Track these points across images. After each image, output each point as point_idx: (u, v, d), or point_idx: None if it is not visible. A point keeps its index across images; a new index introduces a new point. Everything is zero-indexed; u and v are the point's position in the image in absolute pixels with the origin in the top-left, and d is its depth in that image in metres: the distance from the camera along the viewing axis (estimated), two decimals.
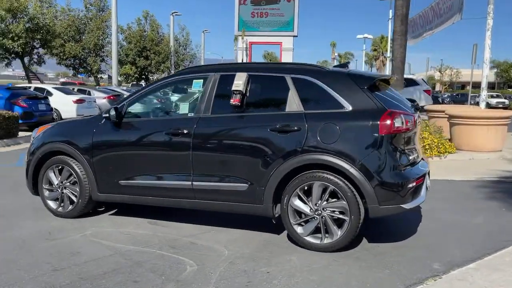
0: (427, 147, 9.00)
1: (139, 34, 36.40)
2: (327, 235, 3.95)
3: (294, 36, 64.44)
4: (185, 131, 4.35)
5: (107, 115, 4.64)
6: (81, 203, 4.92)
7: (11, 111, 12.50)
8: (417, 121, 4.39)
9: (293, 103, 4.11)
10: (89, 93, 18.77)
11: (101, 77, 43.08)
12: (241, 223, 4.68)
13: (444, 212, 5.33)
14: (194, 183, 4.35)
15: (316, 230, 3.98)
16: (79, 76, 42.56)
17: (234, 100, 4.23)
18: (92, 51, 31.70)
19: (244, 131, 4.21)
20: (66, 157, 4.93)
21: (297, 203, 4.01)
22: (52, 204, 5.09)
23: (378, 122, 3.79)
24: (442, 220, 4.98)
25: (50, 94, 16.25)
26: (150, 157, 4.57)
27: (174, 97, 5.13)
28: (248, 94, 4.27)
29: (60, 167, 4.99)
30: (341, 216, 3.88)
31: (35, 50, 26.69)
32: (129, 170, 4.66)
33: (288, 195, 4.02)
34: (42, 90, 16.66)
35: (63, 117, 15.17)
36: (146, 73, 37.69)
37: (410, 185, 3.82)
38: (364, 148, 3.81)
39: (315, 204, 3.96)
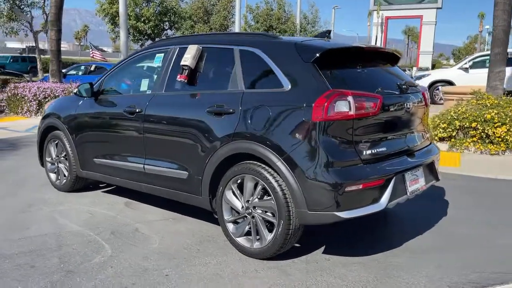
0: None
1: (265, 13, 36.69)
2: (258, 238, 3.30)
3: (437, 8, 58.50)
4: (138, 110, 4.04)
5: (76, 90, 4.58)
6: (70, 178, 4.99)
7: None
8: (404, 104, 3.39)
9: (236, 80, 3.48)
10: None
11: None
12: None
13: (469, 223, 4.11)
14: (146, 166, 4.03)
15: (250, 231, 3.36)
16: None
17: (181, 77, 3.76)
18: (218, 31, 33.01)
19: (185, 112, 3.71)
20: (59, 132, 5.03)
21: (230, 197, 3.42)
22: (52, 176, 5.27)
23: (312, 105, 2.96)
24: (454, 235, 3.82)
25: None
26: (114, 136, 4.37)
27: (148, 73, 4.82)
28: (197, 69, 3.76)
29: (56, 141, 5.13)
30: (271, 218, 3.19)
31: (164, 32, 28.82)
32: (100, 148, 4.55)
33: (222, 187, 3.45)
34: None
35: None
36: None
37: (351, 188, 2.91)
38: (294, 137, 3.02)
39: (247, 201, 3.33)
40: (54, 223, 4.14)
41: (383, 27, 57.54)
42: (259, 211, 3.26)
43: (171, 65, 3.97)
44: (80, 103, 4.75)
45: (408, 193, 3.30)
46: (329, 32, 3.87)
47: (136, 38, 27.22)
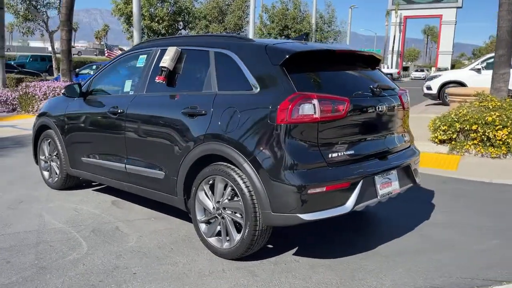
0: None
1: (281, 13, 36.70)
2: (228, 239, 3.33)
3: (457, 7, 57.51)
4: (120, 110, 4.11)
5: (64, 90, 4.69)
6: (61, 177, 5.11)
7: None
8: (375, 107, 3.37)
9: (210, 82, 3.51)
10: None
11: None
12: None
13: (450, 227, 4.06)
14: (127, 166, 4.11)
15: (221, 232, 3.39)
16: None
17: (159, 78, 3.82)
18: (232, 31, 33.12)
19: (162, 113, 3.77)
20: (51, 131, 5.14)
21: (203, 198, 3.46)
22: (45, 174, 5.40)
23: (277, 108, 2.97)
24: (432, 238, 3.78)
25: None
26: (99, 136, 4.45)
27: (132, 74, 4.89)
28: (175, 71, 3.81)
29: (49, 140, 5.24)
30: (240, 219, 3.22)
31: (178, 32, 29.05)
32: (87, 148, 4.64)
33: (195, 188, 3.50)
34: None
35: None
36: None
37: (315, 190, 2.91)
38: (260, 139, 3.04)
39: (217, 202, 3.36)
40: (40, 220, 4.24)
41: (401, 27, 56.93)
42: (229, 212, 3.30)
43: (152, 66, 4.03)
44: (70, 103, 4.86)
45: (378, 197, 3.28)
46: (306, 34, 3.88)
47: (150, 38, 27.51)
